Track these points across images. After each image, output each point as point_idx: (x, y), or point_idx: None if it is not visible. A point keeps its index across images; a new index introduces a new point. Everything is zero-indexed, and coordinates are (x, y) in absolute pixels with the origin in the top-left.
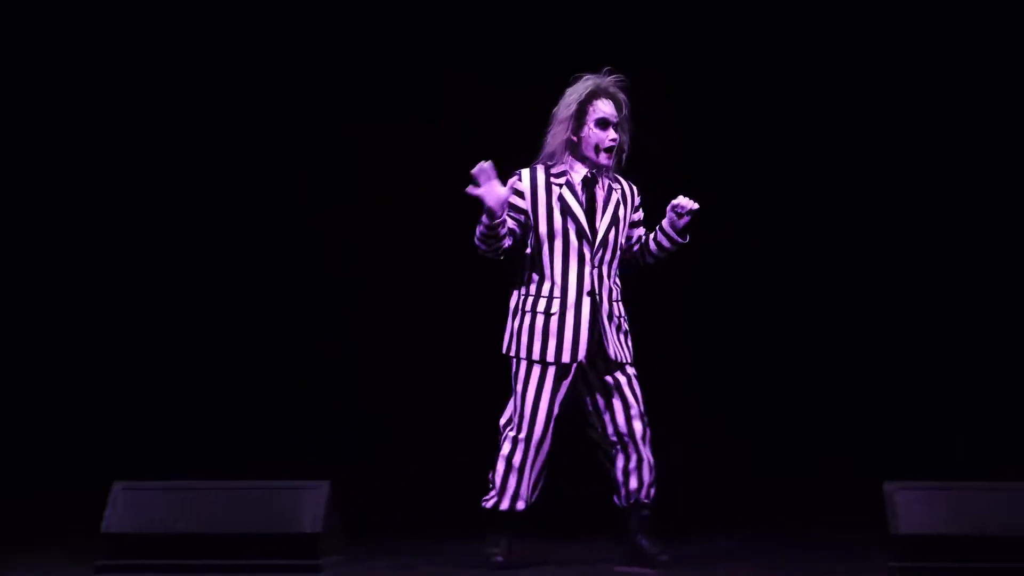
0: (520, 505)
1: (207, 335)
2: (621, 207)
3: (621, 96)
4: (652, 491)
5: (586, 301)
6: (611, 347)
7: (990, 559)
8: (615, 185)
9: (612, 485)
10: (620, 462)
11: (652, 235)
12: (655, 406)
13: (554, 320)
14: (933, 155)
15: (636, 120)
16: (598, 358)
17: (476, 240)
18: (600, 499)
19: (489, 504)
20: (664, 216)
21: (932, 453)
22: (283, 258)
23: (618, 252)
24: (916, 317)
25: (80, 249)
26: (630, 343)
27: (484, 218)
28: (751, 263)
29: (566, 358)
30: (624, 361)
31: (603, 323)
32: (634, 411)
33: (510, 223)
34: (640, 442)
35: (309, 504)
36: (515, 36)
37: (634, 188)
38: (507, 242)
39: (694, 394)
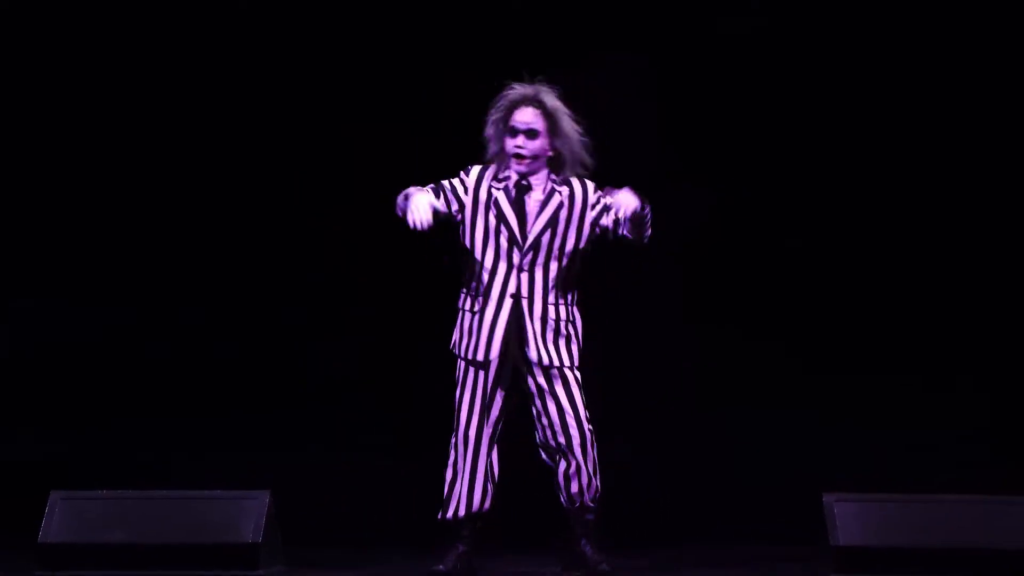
0: (461, 511)
1: (206, 335)
2: (563, 210)
3: (550, 103)
4: (591, 497)
5: (507, 302)
6: (532, 350)
7: (928, 571)
8: (560, 188)
9: (556, 490)
10: (561, 467)
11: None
12: (651, 407)
13: (475, 318)
14: (934, 157)
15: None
16: (529, 361)
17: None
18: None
19: (439, 515)
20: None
21: (932, 459)
22: (283, 258)
23: (554, 255)
24: (917, 319)
25: (80, 254)
26: (572, 347)
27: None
28: (752, 263)
29: (480, 356)
30: (557, 365)
31: (527, 325)
32: (569, 417)
33: (440, 203)
34: (577, 448)
35: (249, 514)
36: (515, 37)
37: (588, 185)
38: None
39: (689, 395)
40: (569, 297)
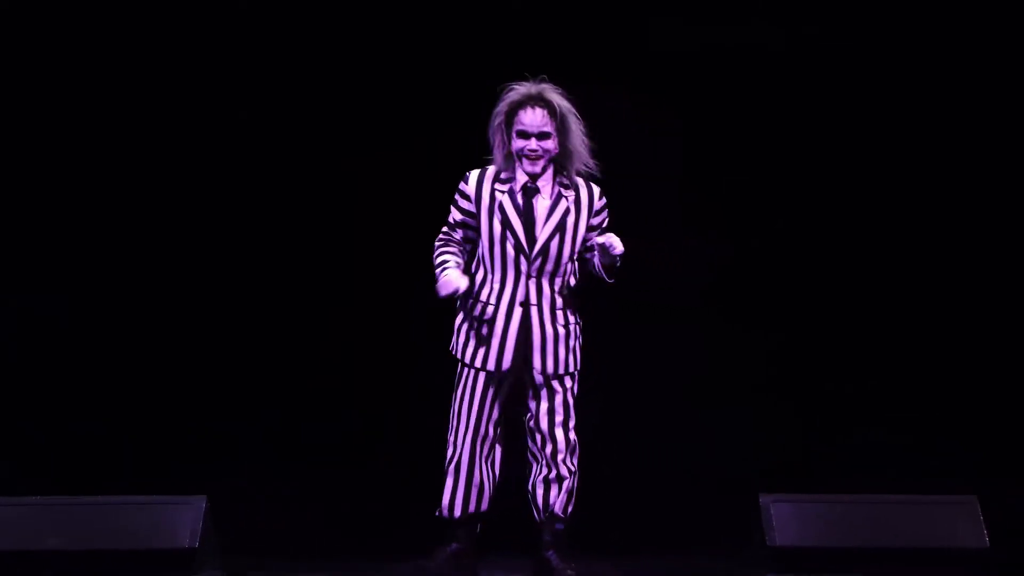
0: (457, 512)
1: (205, 338)
2: (570, 215)
3: (557, 102)
4: (562, 506)
5: (517, 311)
6: (537, 359)
7: (863, 570)
8: (567, 192)
9: (530, 498)
10: (541, 473)
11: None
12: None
13: (484, 326)
14: (933, 158)
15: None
16: (532, 369)
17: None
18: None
19: (436, 512)
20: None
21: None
22: (283, 259)
23: (564, 261)
24: (915, 323)
25: (86, 260)
26: (573, 355)
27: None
28: (757, 265)
29: (491, 366)
30: (560, 372)
31: (534, 335)
32: (558, 424)
33: (461, 257)
34: (560, 454)
35: (186, 519)
36: (516, 44)
37: (594, 191)
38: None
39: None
40: (573, 302)
